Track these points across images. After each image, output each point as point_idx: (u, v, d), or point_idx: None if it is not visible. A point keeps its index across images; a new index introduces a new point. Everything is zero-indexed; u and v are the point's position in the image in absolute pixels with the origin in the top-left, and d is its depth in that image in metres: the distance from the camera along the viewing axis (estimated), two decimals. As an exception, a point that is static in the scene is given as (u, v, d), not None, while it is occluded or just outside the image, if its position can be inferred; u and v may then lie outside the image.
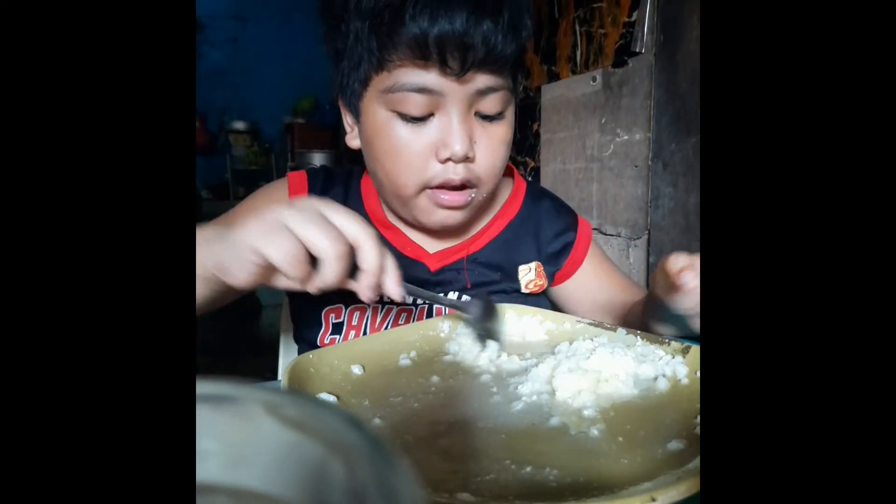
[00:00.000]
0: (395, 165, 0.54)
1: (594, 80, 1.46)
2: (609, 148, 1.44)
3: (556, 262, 0.67)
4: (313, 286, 0.39)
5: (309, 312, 0.63)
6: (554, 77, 1.63)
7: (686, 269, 0.44)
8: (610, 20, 1.40)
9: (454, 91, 0.50)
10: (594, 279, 0.68)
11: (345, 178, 0.67)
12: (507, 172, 0.71)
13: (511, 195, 0.69)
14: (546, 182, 1.68)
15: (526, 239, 0.67)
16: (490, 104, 0.52)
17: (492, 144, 0.54)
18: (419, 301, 0.63)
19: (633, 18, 1.31)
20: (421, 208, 0.56)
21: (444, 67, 0.48)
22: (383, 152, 0.54)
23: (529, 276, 0.66)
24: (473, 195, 0.55)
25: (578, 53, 1.52)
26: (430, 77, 0.49)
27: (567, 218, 0.70)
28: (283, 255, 0.37)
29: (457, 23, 0.46)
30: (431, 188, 0.54)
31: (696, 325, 0.50)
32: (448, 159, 0.52)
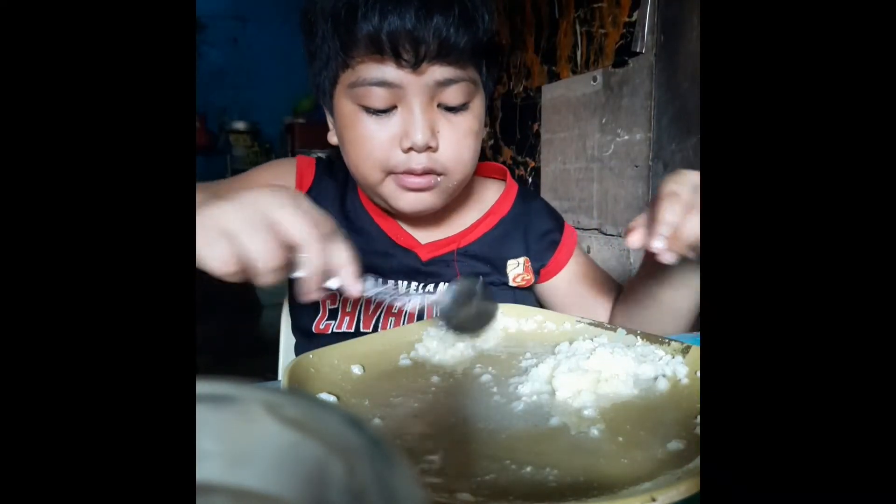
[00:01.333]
0: (361, 155, 0.56)
1: (595, 80, 1.46)
2: (609, 148, 1.44)
3: (542, 258, 0.70)
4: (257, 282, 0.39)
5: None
6: (554, 77, 1.63)
7: (633, 225, 0.44)
8: (610, 20, 1.39)
9: (412, 83, 0.52)
10: (578, 279, 0.71)
11: (346, 171, 0.69)
12: (500, 175, 0.74)
13: (503, 195, 0.71)
14: (546, 182, 1.68)
15: (516, 235, 0.69)
16: (452, 95, 0.54)
17: (456, 135, 0.56)
18: (412, 290, 0.64)
19: (634, 18, 1.31)
20: (388, 193, 0.58)
21: (399, 61, 0.51)
22: (350, 143, 0.57)
23: (517, 270, 0.68)
24: (439, 180, 0.57)
25: (579, 53, 1.52)
26: (388, 71, 0.52)
27: (555, 219, 0.73)
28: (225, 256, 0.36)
29: (406, 18, 0.49)
30: (395, 174, 0.56)
31: (691, 260, 0.48)
32: (410, 149, 0.54)
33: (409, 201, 0.58)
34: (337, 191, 0.68)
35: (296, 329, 0.70)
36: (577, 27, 1.52)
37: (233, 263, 0.36)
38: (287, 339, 0.77)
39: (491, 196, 0.71)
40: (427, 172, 0.56)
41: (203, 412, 0.14)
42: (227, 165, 3.60)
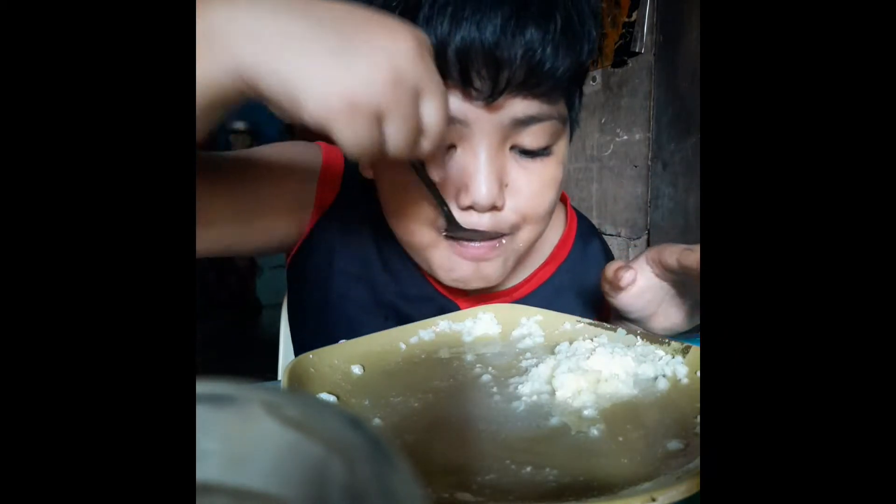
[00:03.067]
0: (406, 206, 0.43)
1: (594, 80, 1.47)
2: (609, 148, 1.44)
3: (590, 315, 0.62)
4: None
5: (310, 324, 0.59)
6: (554, 77, 1.63)
7: (621, 269, 0.45)
8: (610, 20, 1.40)
9: (482, 120, 0.39)
10: None
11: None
12: (561, 201, 0.60)
13: (564, 234, 0.58)
14: (546, 182, 1.68)
15: (571, 289, 0.58)
16: (532, 137, 0.41)
17: (532, 187, 0.43)
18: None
19: (633, 19, 1.31)
20: (439, 261, 0.45)
21: (467, 90, 0.37)
22: (391, 191, 0.44)
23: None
24: (506, 244, 0.45)
25: (578, 53, 1.52)
26: (450, 101, 0.37)
27: (609, 259, 0.62)
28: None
29: (488, 29, 0.35)
30: (450, 238, 0.44)
31: (654, 325, 0.50)
32: (470, 207, 0.41)
33: (465, 273, 0.45)
34: (368, 211, 0.52)
35: (297, 344, 0.64)
36: (577, 27, 1.52)
37: (374, 148, 0.29)
38: (287, 339, 0.77)
39: (552, 234, 0.58)
40: (491, 237, 0.43)
41: (203, 412, 0.13)
42: (226, 165, 3.59)
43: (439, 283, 0.51)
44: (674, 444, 0.31)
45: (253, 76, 0.28)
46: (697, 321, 0.51)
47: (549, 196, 0.45)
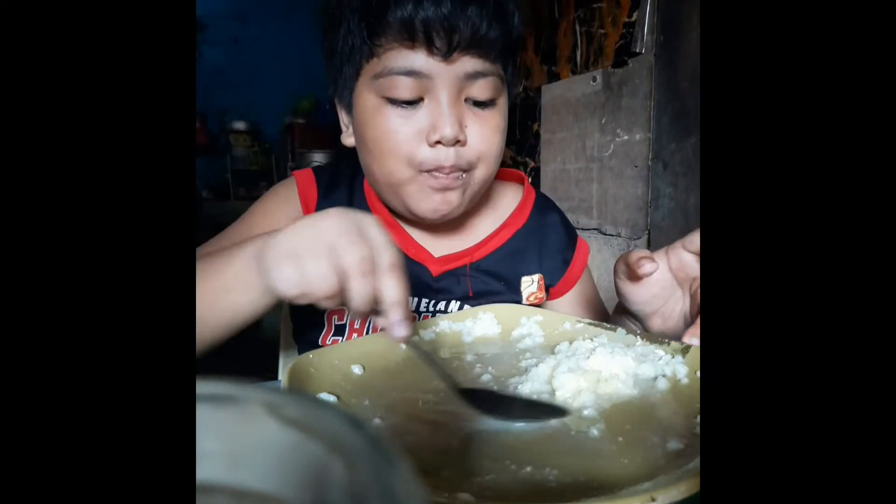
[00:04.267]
0: (386, 151, 0.54)
1: (594, 80, 1.46)
2: (609, 148, 1.44)
3: (554, 277, 0.67)
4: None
5: (310, 313, 0.63)
6: (554, 77, 1.63)
7: (645, 258, 0.47)
8: (610, 20, 1.40)
9: (442, 73, 0.51)
10: (579, 304, 0.69)
11: (349, 178, 0.67)
12: (518, 180, 0.71)
13: (520, 204, 0.68)
14: (546, 182, 1.68)
15: (531, 250, 0.66)
16: (480, 89, 0.53)
17: (484, 131, 0.55)
18: (422, 308, 0.62)
19: (633, 18, 1.31)
20: (413, 194, 0.56)
21: (430, 48, 0.50)
22: (373, 139, 0.55)
23: (531, 288, 0.65)
24: (465, 178, 0.56)
25: (578, 53, 1.52)
26: (417, 59, 0.51)
27: (570, 236, 0.70)
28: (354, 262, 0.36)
29: (442, 5, 0.49)
30: (423, 172, 0.54)
31: (652, 325, 0.52)
32: (438, 142, 0.52)
33: (434, 203, 0.56)
34: (345, 198, 0.65)
35: (301, 340, 0.68)
36: (577, 27, 1.52)
37: (296, 286, 0.37)
38: (287, 339, 0.77)
39: (508, 203, 0.69)
40: (455, 169, 0.54)
41: (203, 412, 0.13)
42: (227, 165, 3.60)
43: (409, 248, 0.62)
44: (674, 444, 0.31)
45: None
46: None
47: (496, 139, 0.56)
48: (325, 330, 0.62)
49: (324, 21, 0.57)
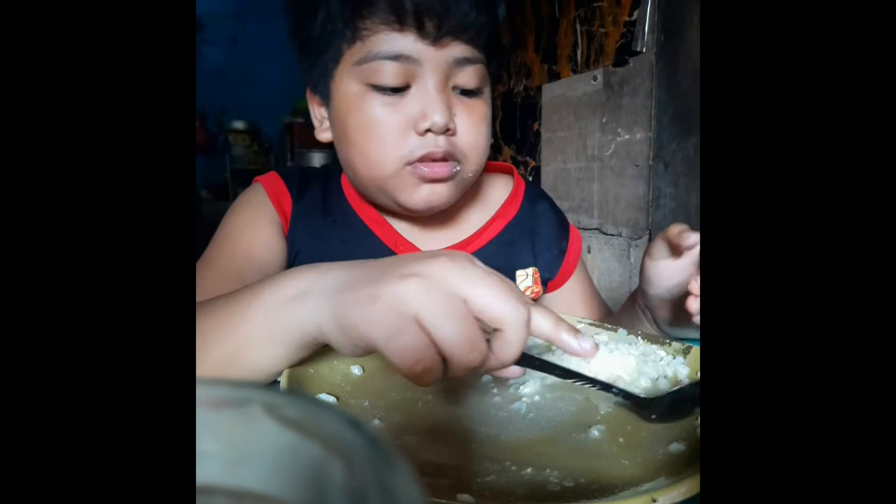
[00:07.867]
0: (371, 141, 0.51)
1: (595, 79, 1.46)
2: (610, 147, 1.44)
3: (551, 269, 0.65)
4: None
5: None
6: (555, 76, 1.63)
7: (686, 230, 0.45)
8: (611, 19, 1.40)
9: (431, 58, 0.49)
10: (577, 297, 0.67)
11: (323, 178, 0.64)
12: (506, 171, 0.70)
13: (511, 195, 0.66)
14: (547, 181, 1.68)
15: (524, 242, 0.64)
16: (468, 77, 0.51)
17: (472, 120, 0.53)
18: None
19: (634, 18, 1.31)
20: (402, 187, 0.52)
21: (420, 31, 0.48)
22: (357, 129, 0.52)
23: (527, 282, 0.63)
24: (458, 168, 0.53)
25: (579, 53, 1.52)
26: (405, 42, 0.48)
27: (562, 224, 0.68)
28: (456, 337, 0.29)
29: None
30: (412, 163, 0.51)
31: (656, 315, 0.50)
32: (428, 130, 0.50)
33: (424, 195, 0.53)
34: (319, 194, 0.62)
35: None
36: (578, 26, 1.52)
37: (428, 358, 0.29)
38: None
39: (498, 195, 0.66)
40: (446, 157, 0.51)
41: (203, 412, 0.13)
42: (226, 165, 3.60)
43: (398, 245, 0.59)
44: (675, 446, 0.31)
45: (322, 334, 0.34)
46: (691, 334, 0.51)
47: (485, 128, 0.55)
48: None
49: (297, 9, 0.54)
